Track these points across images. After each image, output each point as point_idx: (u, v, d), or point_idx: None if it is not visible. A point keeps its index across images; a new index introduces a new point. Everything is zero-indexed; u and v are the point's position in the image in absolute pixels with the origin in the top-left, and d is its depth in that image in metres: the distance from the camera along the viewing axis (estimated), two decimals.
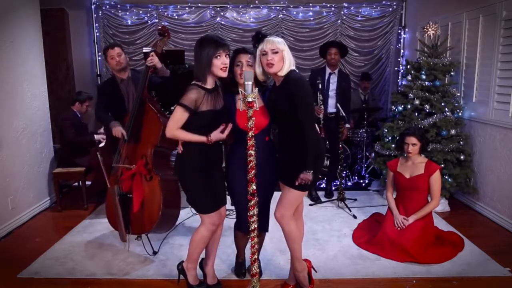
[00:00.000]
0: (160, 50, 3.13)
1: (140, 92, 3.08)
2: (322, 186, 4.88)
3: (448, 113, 4.09)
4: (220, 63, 2.33)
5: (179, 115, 2.35)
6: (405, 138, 3.30)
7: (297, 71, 2.46)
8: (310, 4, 6.00)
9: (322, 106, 4.07)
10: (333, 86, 4.38)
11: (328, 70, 4.40)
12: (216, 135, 2.37)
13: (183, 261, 2.71)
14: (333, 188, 4.69)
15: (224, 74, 2.37)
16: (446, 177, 4.05)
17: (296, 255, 2.58)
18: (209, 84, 2.40)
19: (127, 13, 5.93)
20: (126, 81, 3.51)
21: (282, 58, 2.36)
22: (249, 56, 2.46)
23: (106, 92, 3.51)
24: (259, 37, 2.42)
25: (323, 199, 4.52)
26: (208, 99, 2.37)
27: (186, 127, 2.38)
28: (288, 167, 2.44)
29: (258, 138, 2.28)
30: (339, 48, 4.38)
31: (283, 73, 2.39)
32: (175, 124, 2.36)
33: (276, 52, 2.34)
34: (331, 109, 4.35)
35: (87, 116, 5.09)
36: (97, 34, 5.92)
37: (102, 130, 4.60)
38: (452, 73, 4.29)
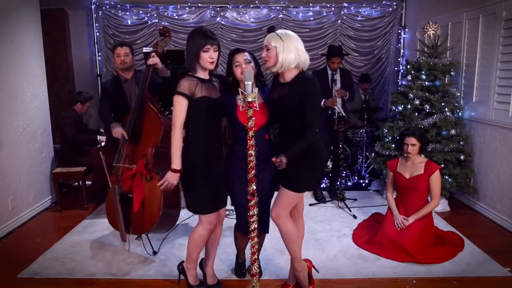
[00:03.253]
0: (161, 50, 3.14)
1: (141, 92, 3.08)
2: (323, 186, 4.88)
3: (448, 113, 4.09)
4: (208, 57, 2.34)
5: (178, 104, 2.34)
6: (404, 139, 3.30)
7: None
8: (310, 4, 6.00)
9: (337, 98, 4.24)
10: (337, 86, 4.39)
11: (329, 71, 4.41)
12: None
13: (183, 261, 2.71)
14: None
15: (211, 66, 2.38)
16: (446, 177, 4.04)
17: (294, 255, 2.56)
18: (201, 75, 2.41)
19: (127, 13, 5.92)
20: (130, 81, 3.53)
21: (275, 55, 2.31)
22: (245, 54, 2.46)
23: (110, 91, 3.52)
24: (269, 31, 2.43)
25: None
26: (202, 87, 2.37)
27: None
28: (286, 167, 2.43)
29: (257, 136, 2.25)
30: (342, 56, 4.43)
31: (274, 69, 2.35)
32: (179, 115, 2.34)
33: (269, 49, 2.33)
34: (337, 109, 4.35)
35: (87, 116, 5.10)
36: (97, 34, 5.92)
37: (102, 130, 4.61)
38: (452, 73, 4.29)
